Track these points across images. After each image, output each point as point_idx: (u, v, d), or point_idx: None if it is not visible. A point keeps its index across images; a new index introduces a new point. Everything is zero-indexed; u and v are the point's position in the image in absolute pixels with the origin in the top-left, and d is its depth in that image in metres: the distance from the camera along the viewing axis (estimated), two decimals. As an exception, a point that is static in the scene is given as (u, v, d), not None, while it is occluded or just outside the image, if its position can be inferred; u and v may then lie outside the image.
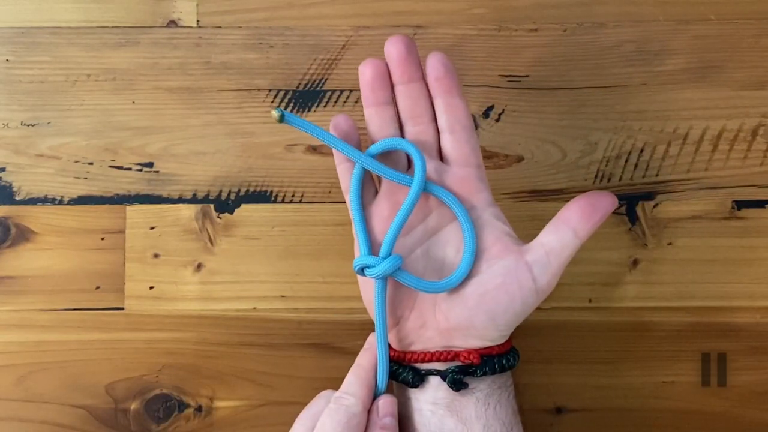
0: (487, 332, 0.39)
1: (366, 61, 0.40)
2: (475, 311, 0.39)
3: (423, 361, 0.40)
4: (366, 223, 0.41)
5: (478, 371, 0.39)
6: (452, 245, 0.41)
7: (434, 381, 0.40)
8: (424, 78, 0.40)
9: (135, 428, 0.47)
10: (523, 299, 0.39)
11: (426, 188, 0.40)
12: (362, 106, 0.41)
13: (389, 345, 0.41)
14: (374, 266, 0.39)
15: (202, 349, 0.47)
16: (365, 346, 0.42)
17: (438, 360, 0.40)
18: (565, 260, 0.39)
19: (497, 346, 0.40)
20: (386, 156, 0.41)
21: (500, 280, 0.39)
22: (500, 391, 0.40)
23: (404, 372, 0.40)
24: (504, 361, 0.40)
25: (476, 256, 0.40)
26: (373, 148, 0.40)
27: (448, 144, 0.41)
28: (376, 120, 0.41)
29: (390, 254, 0.39)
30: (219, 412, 0.47)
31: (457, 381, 0.39)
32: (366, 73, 0.40)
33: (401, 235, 0.41)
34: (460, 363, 0.39)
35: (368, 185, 0.41)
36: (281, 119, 0.38)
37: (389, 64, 0.40)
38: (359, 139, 0.41)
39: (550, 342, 0.47)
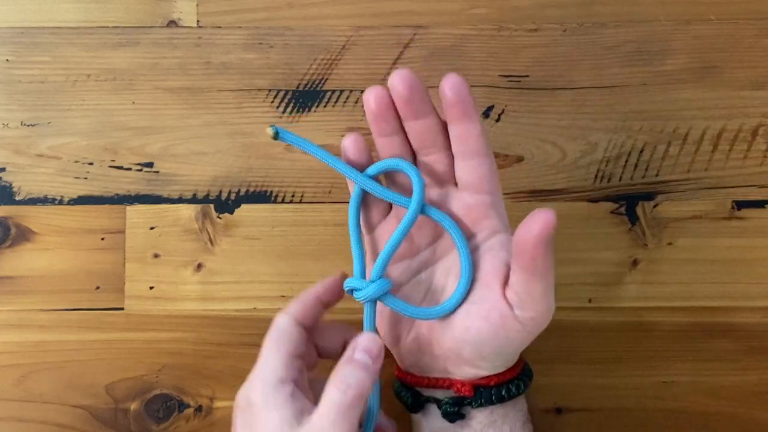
0: (476, 362, 0.38)
1: (369, 91, 0.38)
2: (461, 342, 0.37)
3: (421, 385, 0.40)
4: (373, 242, 0.40)
5: (473, 403, 0.38)
6: (455, 272, 0.39)
7: (433, 408, 0.40)
8: (434, 109, 0.38)
9: (135, 428, 0.47)
10: (506, 333, 0.37)
11: (424, 211, 0.39)
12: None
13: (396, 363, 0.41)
14: (361, 289, 0.38)
15: (202, 349, 0.47)
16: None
17: (435, 386, 0.39)
18: (540, 295, 0.36)
19: (495, 375, 0.38)
20: (396, 175, 0.40)
21: (485, 312, 0.37)
22: (503, 420, 0.39)
23: (406, 395, 0.40)
24: (503, 392, 0.38)
25: (471, 284, 0.38)
26: (371, 169, 0.39)
27: (460, 170, 0.39)
28: (387, 149, 0.39)
29: (380, 277, 0.38)
30: (219, 412, 0.47)
31: (450, 413, 0.38)
32: (370, 104, 0.38)
33: (407, 257, 0.40)
34: (453, 394, 0.39)
35: (378, 204, 0.41)
36: (276, 137, 0.38)
37: (394, 98, 0.38)
38: (371, 159, 0.40)
39: (550, 342, 0.47)
